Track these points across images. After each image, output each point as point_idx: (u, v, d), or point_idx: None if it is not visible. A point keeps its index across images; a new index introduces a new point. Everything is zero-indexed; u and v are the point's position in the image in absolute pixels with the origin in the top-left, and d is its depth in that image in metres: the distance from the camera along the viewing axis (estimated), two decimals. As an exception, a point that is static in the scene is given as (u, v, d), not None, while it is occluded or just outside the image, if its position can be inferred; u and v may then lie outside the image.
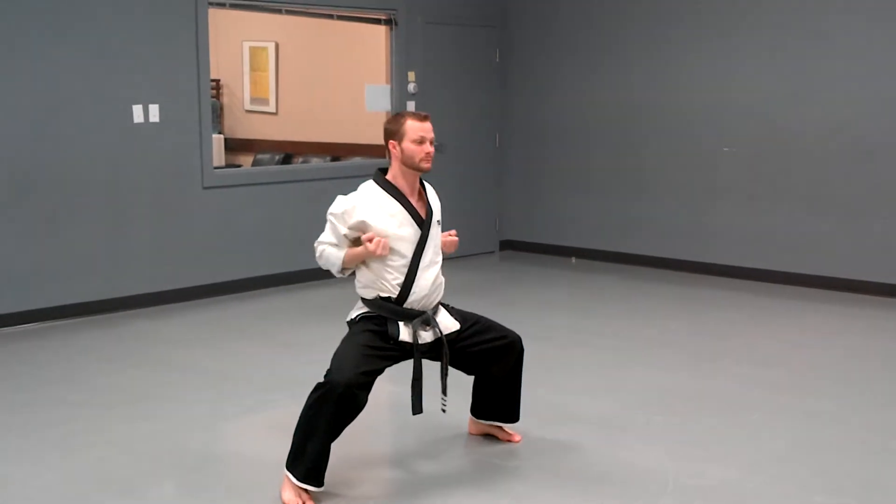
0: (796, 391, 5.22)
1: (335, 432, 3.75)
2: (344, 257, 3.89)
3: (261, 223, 7.74)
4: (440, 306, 4.05)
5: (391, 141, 3.95)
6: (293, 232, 7.89)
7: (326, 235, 3.95)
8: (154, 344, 6.18)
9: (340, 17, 8.46)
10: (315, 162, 9.61)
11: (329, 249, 3.92)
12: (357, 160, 9.29)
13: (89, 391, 5.20)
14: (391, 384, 5.34)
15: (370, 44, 9.12)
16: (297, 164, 9.70)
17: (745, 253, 8.20)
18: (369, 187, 3.96)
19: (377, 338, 3.85)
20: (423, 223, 3.95)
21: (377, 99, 8.65)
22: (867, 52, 7.48)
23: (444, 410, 4.15)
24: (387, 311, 3.90)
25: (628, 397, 5.11)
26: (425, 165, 3.93)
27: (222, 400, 5.05)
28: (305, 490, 3.76)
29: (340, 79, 9.98)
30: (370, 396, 3.85)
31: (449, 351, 3.99)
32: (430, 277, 3.95)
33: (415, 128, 3.91)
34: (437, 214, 4.05)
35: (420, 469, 4.19)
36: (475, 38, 9.25)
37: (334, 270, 3.96)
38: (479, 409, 4.41)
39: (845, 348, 6.15)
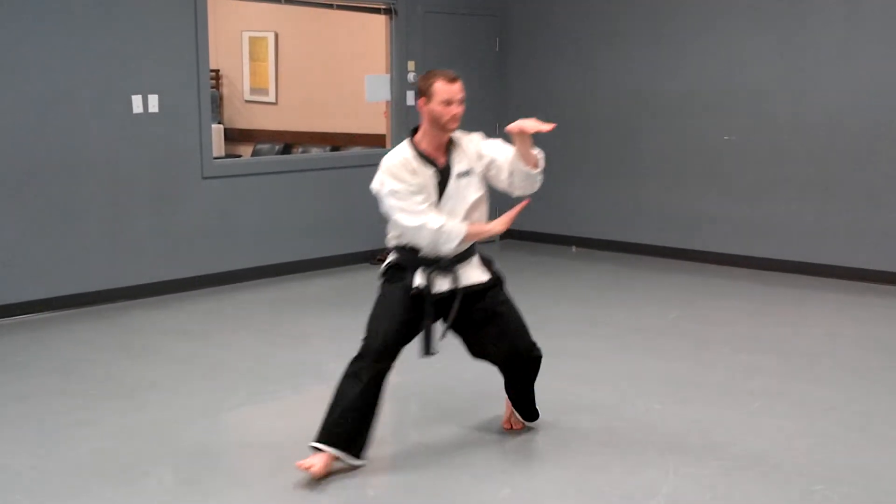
0: (796, 379, 5.22)
1: (370, 404, 3.96)
2: (469, 230, 3.98)
3: (260, 213, 7.73)
4: (473, 259, 4.12)
5: (421, 98, 4.01)
6: (293, 222, 7.89)
7: (418, 205, 3.93)
8: (153, 334, 6.18)
9: (340, 7, 8.43)
10: (315, 152, 9.61)
11: (450, 224, 3.94)
12: (357, 150, 9.28)
13: (88, 381, 5.21)
14: (394, 374, 5.34)
15: (370, 33, 9.11)
16: (297, 154, 9.70)
17: (745, 241, 8.20)
18: (400, 151, 4.04)
19: (400, 291, 3.99)
20: (442, 177, 4.01)
21: (377, 89, 8.63)
22: (865, 41, 7.46)
23: (433, 353, 4.13)
24: (406, 260, 4.02)
25: (627, 386, 5.11)
26: (451, 126, 3.99)
27: (221, 390, 5.05)
28: (338, 458, 3.93)
29: (340, 69, 9.96)
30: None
31: (464, 317, 4.05)
32: None
33: (443, 90, 3.95)
34: (463, 167, 4.05)
35: (419, 457, 4.19)
36: (475, 28, 9.23)
37: (451, 246, 3.97)
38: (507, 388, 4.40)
39: (845, 336, 6.15)
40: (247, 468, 4.13)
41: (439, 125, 3.97)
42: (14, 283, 6.49)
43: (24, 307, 6.54)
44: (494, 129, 9.50)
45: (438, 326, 4.11)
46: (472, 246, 4.13)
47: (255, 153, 10.33)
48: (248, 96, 11.07)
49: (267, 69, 10.79)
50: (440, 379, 4.73)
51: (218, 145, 9.68)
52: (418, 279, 3.99)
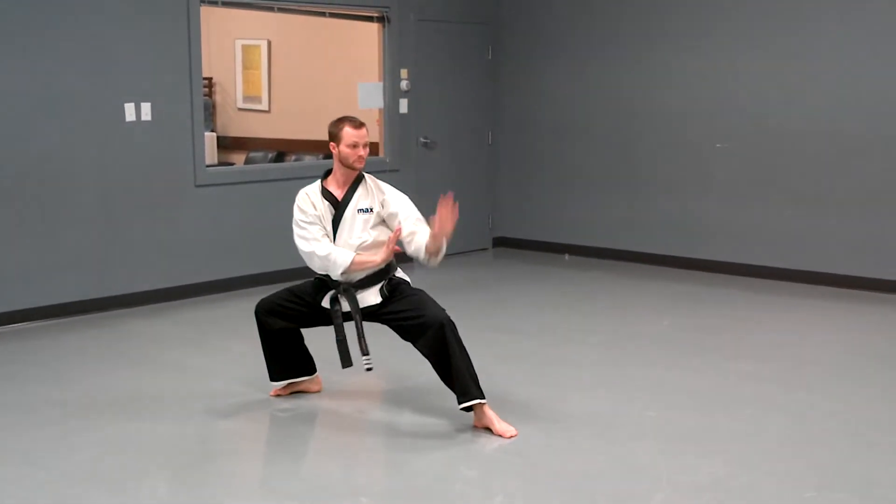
0: (788, 387, 5.23)
1: (265, 344, 4.89)
2: (354, 259, 4.55)
3: (253, 221, 7.73)
4: (376, 281, 4.61)
5: (332, 142, 4.69)
6: (285, 230, 7.82)
7: (313, 233, 4.64)
8: (146, 343, 6.17)
9: (333, 15, 8.44)
10: (308, 160, 9.59)
11: (336, 252, 4.56)
12: (350, 158, 9.27)
13: (81, 390, 5.19)
14: (385, 381, 5.35)
15: (363, 41, 9.11)
16: (290, 162, 9.69)
17: (737, 249, 8.21)
18: (309, 187, 4.78)
19: (306, 291, 4.75)
20: (338, 208, 4.65)
21: (370, 96, 8.64)
22: (857, 49, 7.49)
23: (368, 370, 4.66)
24: (321, 281, 4.71)
25: (620, 393, 5.11)
26: (357, 165, 4.65)
27: (214, 398, 5.05)
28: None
29: (333, 76, 9.96)
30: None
31: (376, 320, 4.65)
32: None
33: (350, 134, 4.64)
34: (366, 204, 4.65)
35: (411, 465, 4.19)
36: (468, 35, 9.24)
37: (337, 272, 4.58)
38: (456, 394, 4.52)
39: (836, 344, 6.17)
40: (239, 476, 4.12)
41: (347, 164, 4.64)
42: (5, 292, 6.47)
43: (14, 316, 6.52)
44: (486, 137, 9.54)
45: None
46: (381, 273, 4.62)
47: (248, 161, 10.30)
48: (240, 104, 11.06)
49: (260, 77, 10.79)
50: (432, 387, 4.73)
51: (211, 153, 9.67)
52: (325, 301, 4.65)
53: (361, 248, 4.60)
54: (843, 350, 6.02)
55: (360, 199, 4.66)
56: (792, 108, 7.83)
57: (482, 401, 4.45)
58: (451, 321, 4.45)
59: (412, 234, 4.59)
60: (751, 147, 8.08)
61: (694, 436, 4.49)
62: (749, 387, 5.22)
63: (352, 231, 4.63)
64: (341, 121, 4.70)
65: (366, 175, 4.73)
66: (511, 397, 4.93)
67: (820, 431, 4.56)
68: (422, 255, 4.56)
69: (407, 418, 4.73)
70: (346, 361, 4.66)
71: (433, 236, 4.51)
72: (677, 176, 8.52)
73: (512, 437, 4.42)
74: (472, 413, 4.52)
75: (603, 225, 9.02)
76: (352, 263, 4.54)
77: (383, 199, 4.67)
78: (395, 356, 5.34)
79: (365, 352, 4.61)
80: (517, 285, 8.09)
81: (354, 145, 4.61)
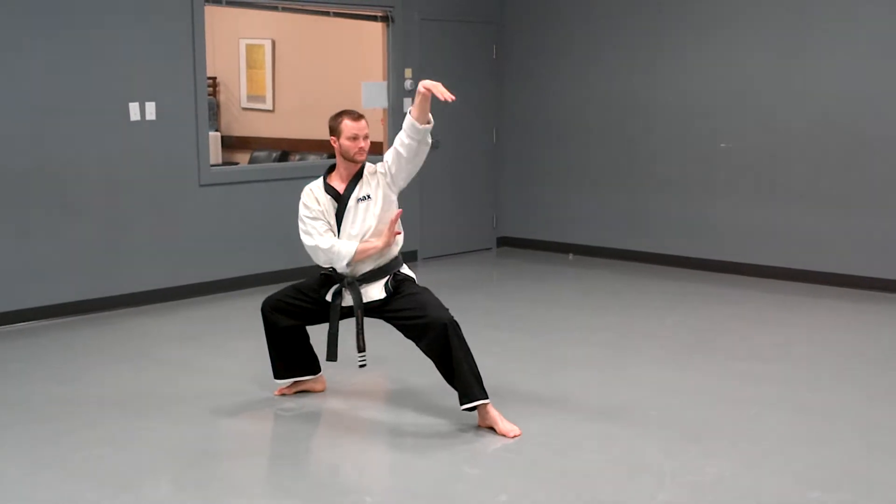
0: (793, 386, 5.23)
1: (271, 342, 4.89)
2: (357, 248, 4.53)
3: (257, 221, 7.74)
4: (381, 276, 4.61)
5: (332, 136, 4.70)
6: (290, 229, 7.84)
7: (316, 228, 4.61)
8: (151, 341, 6.18)
9: (337, 14, 8.45)
10: (312, 159, 9.60)
11: (339, 244, 4.55)
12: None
13: (85, 389, 5.20)
14: (388, 380, 5.35)
15: (367, 41, 9.12)
16: (294, 162, 9.70)
17: (741, 249, 8.20)
18: (312, 183, 4.78)
19: (311, 287, 4.74)
20: (340, 201, 4.65)
21: (374, 96, 8.64)
22: (862, 47, 7.48)
23: (361, 366, 4.72)
24: (326, 276, 4.70)
25: (624, 392, 5.11)
26: (359, 158, 4.66)
27: (218, 397, 5.05)
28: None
29: (337, 76, 9.96)
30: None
31: (379, 317, 4.65)
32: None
33: (350, 126, 4.65)
34: (363, 192, 4.65)
35: (415, 465, 4.19)
36: (472, 35, 9.24)
37: (342, 263, 4.55)
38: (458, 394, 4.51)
39: (841, 343, 6.16)
40: (242, 475, 4.12)
41: (348, 157, 4.64)
42: (9, 291, 6.49)
43: (20, 315, 6.53)
44: (491, 135, 9.54)
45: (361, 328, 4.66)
46: (386, 268, 4.62)
47: (252, 161, 10.31)
48: (245, 104, 11.07)
49: (264, 76, 10.80)
50: (435, 387, 4.73)
51: (215, 153, 9.66)
52: (329, 295, 4.65)
53: (367, 235, 4.60)
54: (849, 350, 6.00)
55: (359, 189, 4.68)
56: (796, 108, 7.82)
57: (485, 401, 4.46)
58: (454, 321, 4.45)
59: (398, 152, 4.62)
60: (755, 146, 8.07)
61: (698, 435, 4.49)
62: (753, 386, 5.21)
63: (354, 221, 4.63)
64: (340, 114, 4.72)
65: (365, 166, 4.74)
66: (514, 396, 4.93)
67: (825, 431, 4.56)
68: (415, 126, 4.49)
69: (410, 418, 4.73)
70: (331, 355, 4.66)
71: (418, 104, 4.47)
72: (681, 175, 8.52)
73: (515, 436, 4.42)
74: (475, 412, 4.52)
75: (607, 224, 9.02)
76: (355, 252, 4.54)
77: (376, 169, 4.71)
78: (398, 355, 5.35)
79: (361, 348, 4.64)
80: (521, 284, 8.09)
81: (354, 137, 4.62)
